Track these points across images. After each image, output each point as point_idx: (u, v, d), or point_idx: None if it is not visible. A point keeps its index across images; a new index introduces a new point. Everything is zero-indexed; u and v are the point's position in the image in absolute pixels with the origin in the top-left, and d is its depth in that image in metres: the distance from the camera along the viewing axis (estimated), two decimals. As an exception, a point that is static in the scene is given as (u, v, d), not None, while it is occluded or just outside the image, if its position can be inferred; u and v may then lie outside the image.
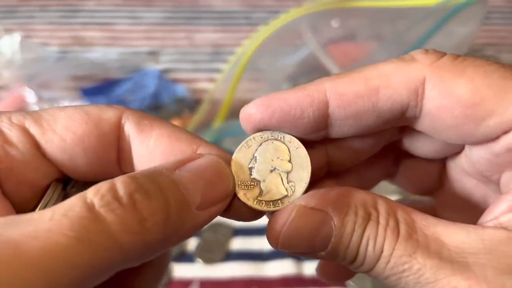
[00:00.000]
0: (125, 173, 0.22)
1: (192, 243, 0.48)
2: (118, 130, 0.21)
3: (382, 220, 0.19)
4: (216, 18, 0.98)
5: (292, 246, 0.20)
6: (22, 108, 0.68)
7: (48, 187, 0.21)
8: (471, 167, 0.23)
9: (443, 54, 0.21)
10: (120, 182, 0.17)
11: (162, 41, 0.89)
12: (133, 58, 0.78)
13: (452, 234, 0.19)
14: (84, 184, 0.22)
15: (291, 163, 0.22)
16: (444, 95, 0.20)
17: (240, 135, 0.53)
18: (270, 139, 0.22)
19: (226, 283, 0.45)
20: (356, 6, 0.51)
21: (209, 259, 0.47)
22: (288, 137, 0.22)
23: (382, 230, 0.19)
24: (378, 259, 0.19)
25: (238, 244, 0.49)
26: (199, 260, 0.47)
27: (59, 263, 0.14)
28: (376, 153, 0.25)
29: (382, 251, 0.19)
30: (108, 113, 0.21)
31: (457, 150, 0.24)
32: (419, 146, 0.25)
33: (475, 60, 0.20)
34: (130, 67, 0.76)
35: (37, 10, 0.98)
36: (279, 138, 0.22)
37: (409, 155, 0.26)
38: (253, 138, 0.22)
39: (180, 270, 0.46)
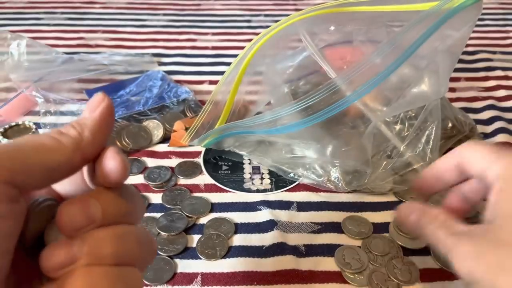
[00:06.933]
0: None
1: (194, 239, 0.50)
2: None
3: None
4: (218, 22, 1.00)
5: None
6: (29, 109, 0.70)
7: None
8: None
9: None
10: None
11: (166, 44, 0.91)
12: (137, 61, 0.80)
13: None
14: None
15: None
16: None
17: (240, 135, 0.55)
18: None
19: (228, 277, 0.46)
20: (353, 11, 0.52)
21: (211, 255, 0.48)
22: None
23: None
24: None
25: (239, 240, 0.50)
26: (201, 255, 0.48)
27: None
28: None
29: None
30: None
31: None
32: None
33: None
34: (134, 70, 0.78)
35: (44, 13, 1.00)
36: None
37: None
38: None
39: (182, 266, 0.48)
